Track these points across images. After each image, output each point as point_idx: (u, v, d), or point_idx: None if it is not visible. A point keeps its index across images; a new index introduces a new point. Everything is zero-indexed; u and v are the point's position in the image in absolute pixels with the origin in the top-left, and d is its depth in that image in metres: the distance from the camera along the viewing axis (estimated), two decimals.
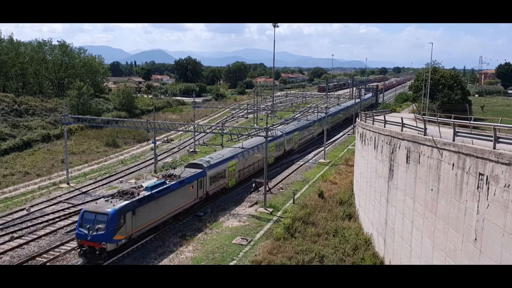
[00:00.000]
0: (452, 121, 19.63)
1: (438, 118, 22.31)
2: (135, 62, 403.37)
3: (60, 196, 40.93)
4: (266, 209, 37.08)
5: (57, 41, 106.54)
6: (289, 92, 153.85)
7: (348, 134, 77.66)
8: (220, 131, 45.84)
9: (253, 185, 43.25)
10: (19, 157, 55.54)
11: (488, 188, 14.56)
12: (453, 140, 17.64)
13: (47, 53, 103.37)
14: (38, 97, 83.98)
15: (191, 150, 61.68)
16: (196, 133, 60.21)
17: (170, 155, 60.17)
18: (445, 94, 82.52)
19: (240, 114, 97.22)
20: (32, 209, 36.71)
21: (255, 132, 44.18)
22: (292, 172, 50.55)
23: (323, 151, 59.52)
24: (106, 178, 47.31)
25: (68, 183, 44.64)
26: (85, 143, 64.30)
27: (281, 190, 43.26)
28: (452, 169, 17.23)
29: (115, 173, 49.53)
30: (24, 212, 36.09)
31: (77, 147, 61.60)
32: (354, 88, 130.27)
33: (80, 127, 69.53)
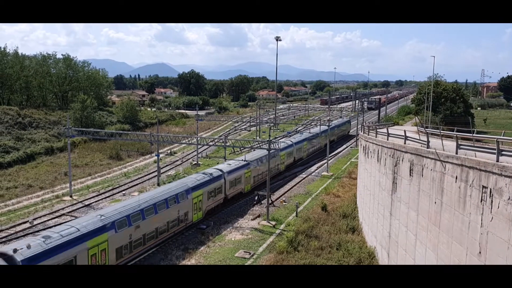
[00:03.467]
0: (455, 134, 19.65)
1: (441, 131, 22.33)
2: (138, 75, 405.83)
3: (63, 209, 40.94)
4: (269, 222, 36.97)
5: (62, 54, 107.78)
6: (291, 105, 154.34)
7: (351, 147, 77.63)
8: (223, 144, 45.90)
9: (256, 198, 43.18)
10: (23, 169, 55.72)
11: (491, 201, 14.53)
12: (456, 153, 17.64)
13: (51, 66, 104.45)
14: (42, 110, 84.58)
15: (194, 162, 61.72)
16: (199, 146, 60.31)
17: (173, 167, 60.21)
18: (448, 107, 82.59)
19: (242, 127, 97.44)
20: (35, 222, 36.70)
21: (258, 145, 44.23)
22: (295, 185, 50.47)
23: (326, 164, 59.46)
24: (109, 190, 47.32)
25: (71, 196, 44.67)
26: (88, 156, 64.47)
27: (284, 203, 43.16)
28: (456, 182, 17.21)
29: (118, 185, 49.56)
30: (27, 224, 36.07)
31: (81, 160, 61.75)
32: (357, 101, 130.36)
33: (83, 140, 69.81)
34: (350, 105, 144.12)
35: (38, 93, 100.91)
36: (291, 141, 61.52)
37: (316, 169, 59.47)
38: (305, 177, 54.83)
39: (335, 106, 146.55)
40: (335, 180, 52.72)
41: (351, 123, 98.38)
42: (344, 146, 80.00)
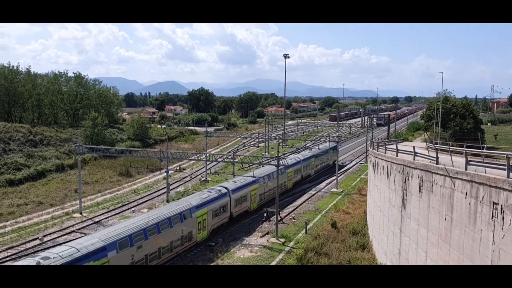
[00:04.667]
0: (464, 150, 19.53)
1: (450, 147, 22.22)
2: (149, 93, 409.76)
3: (73, 225, 41.09)
4: (278, 240, 36.74)
5: (73, 73, 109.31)
6: (300, 121, 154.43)
7: (361, 163, 77.30)
8: (232, 160, 45.96)
9: (265, 214, 42.99)
10: (33, 186, 56.17)
11: (503, 218, 14.36)
12: (466, 169, 17.52)
13: (62, 84, 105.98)
14: (53, 128, 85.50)
15: (203, 179, 61.83)
16: (208, 162, 60.44)
17: (182, 184, 60.33)
18: (457, 123, 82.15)
19: (251, 143, 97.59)
20: (45, 239, 36.85)
21: (266, 161, 44.25)
22: (304, 202, 50.22)
23: (335, 181, 59.18)
24: (118, 207, 47.46)
25: (81, 213, 44.85)
26: (98, 172, 64.86)
27: (293, 220, 42.92)
28: (465, 198, 17.05)
29: (127, 202, 49.70)
30: (37, 241, 36.23)
31: (91, 176, 62.13)
32: (366, 117, 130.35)
33: (94, 157, 70.34)
34: (359, 121, 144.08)
35: (49, 111, 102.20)
36: (225, 188, 40.79)
37: (326, 186, 59.19)
38: (315, 193, 54.57)
39: (344, 122, 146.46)
40: (345, 197, 52.40)
41: (339, 150, 74.70)
42: (354, 162, 79.56)
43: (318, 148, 70.54)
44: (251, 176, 44.95)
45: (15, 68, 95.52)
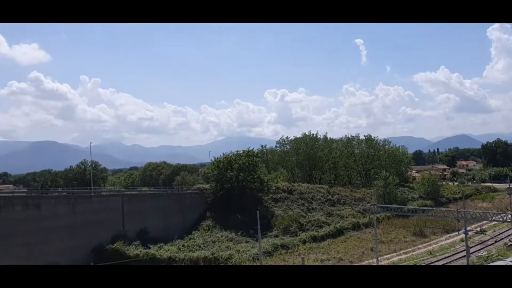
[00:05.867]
0: None
1: None
2: (437, 149, 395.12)
3: None
4: None
5: (363, 135, 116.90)
6: None
7: None
8: None
9: None
10: (333, 243, 61.09)
11: None
12: None
13: (355, 147, 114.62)
14: (348, 188, 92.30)
15: (509, 243, 54.59)
16: None
17: (484, 247, 54.71)
18: None
19: None
20: None
21: None
22: None
23: None
24: None
25: None
26: (392, 232, 65.58)
27: None
28: None
29: (423, 264, 48.26)
30: None
31: (385, 235, 63.34)
32: None
33: (386, 216, 71.83)
34: None
35: (344, 172, 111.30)
36: None
37: None
38: None
39: None
40: None
41: None
42: None
43: None
44: None
45: (314, 135, 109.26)
